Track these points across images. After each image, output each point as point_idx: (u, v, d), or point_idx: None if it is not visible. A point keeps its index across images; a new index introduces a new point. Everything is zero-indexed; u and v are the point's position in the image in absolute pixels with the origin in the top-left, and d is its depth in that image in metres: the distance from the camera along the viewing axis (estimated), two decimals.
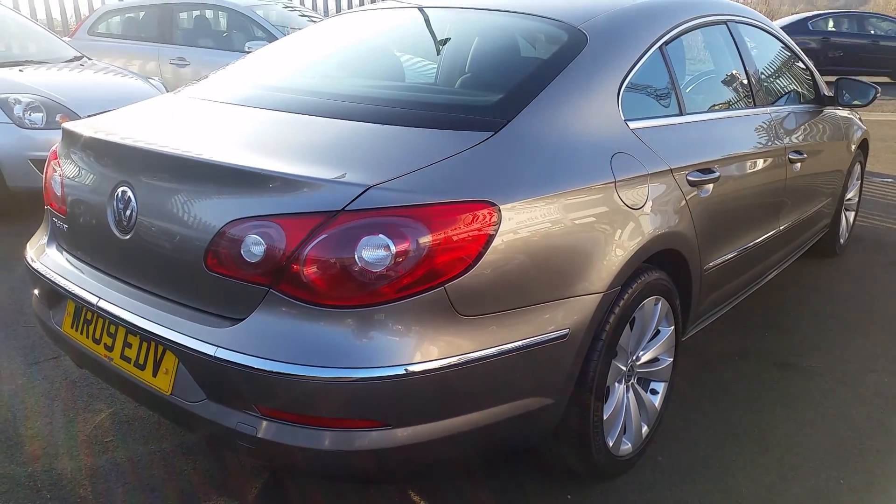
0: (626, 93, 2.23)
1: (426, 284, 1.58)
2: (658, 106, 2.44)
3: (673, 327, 2.40)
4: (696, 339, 3.27)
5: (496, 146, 1.82)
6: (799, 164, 3.22)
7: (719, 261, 2.62)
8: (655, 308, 2.28)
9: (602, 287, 1.92)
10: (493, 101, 2.03)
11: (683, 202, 2.29)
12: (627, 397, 2.30)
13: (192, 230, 1.70)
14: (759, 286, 3.28)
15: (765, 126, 2.98)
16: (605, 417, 2.12)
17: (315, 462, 1.64)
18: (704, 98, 2.82)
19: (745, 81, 2.99)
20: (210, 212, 1.68)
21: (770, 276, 3.35)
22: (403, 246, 1.55)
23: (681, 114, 2.48)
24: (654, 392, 2.45)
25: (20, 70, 5.51)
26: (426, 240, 1.57)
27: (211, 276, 1.67)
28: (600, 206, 1.94)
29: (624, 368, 2.22)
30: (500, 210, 1.68)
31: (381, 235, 1.55)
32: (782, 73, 3.50)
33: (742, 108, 2.97)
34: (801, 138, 3.29)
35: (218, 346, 1.61)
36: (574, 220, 1.86)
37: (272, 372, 1.55)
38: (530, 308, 1.77)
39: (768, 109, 3.08)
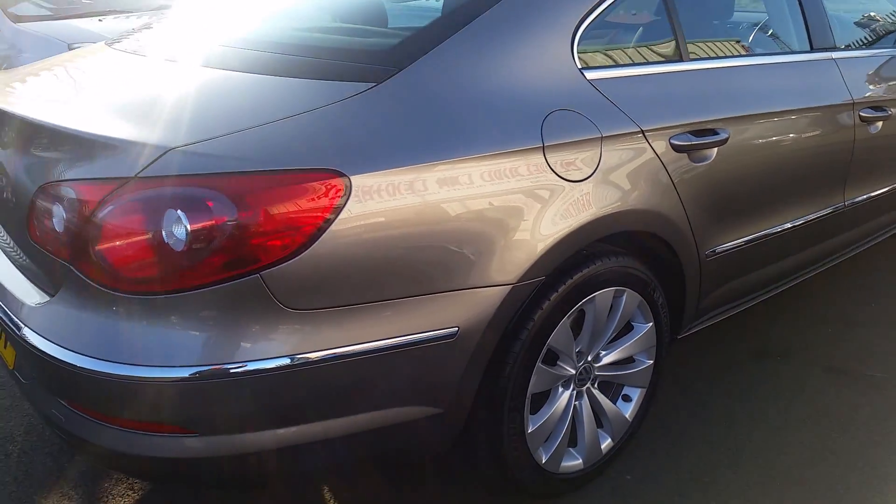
0: (588, 34, 1.78)
1: (235, 271, 1.30)
2: (642, 50, 1.96)
3: (651, 324, 1.97)
4: (729, 332, 2.77)
5: (371, 101, 1.48)
6: (879, 124, 2.57)
7: (731, 245, 2.13)
8: (619, 301, 1.86)
9: (510, 278, 1.55)
10: (392, 44, 1.67)
11: (663, 172, 1.83)
12: (580, 404, 1.92)
13: (18, 195, 1.53)
14: (812, 275, 2.69)
15: (821, 74, 2.38)
16: (531, 430, 1.76)
17: (126, 465, 1.45)
18: (722, 39, 2.26)
19: (795, 16, 2.38)
20: (32, 175, 1.49)
21: (831, 264, 2.75)
22: (202, 223, 1.28)
23: (680, 59, 1.99)
24: (626, 399, 2.05)
25: (99, 20, 5.64)
26: (233, 216, 1.28)
27: (34, 247, 1.49)
28: (515, 176, 1.55)
29: (571, 371, 1.84)
30: (350, 182, 1.36)
31: (176, 209, 1.28)
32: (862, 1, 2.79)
33: (783, 53, 2.38)
34: (883, 90, 2.62)
35: (24, 325, 1.44)
36: (468, 195, 1.49)
37: (63, 361, 1.35)
38: (395, 302, 1.44)
39: (831, 54, 2.45)
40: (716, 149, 1.95)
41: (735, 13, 2.46)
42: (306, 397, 1.41)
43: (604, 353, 1.93)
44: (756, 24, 2.46)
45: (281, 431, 1.41)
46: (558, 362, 1.81)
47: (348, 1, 2.25)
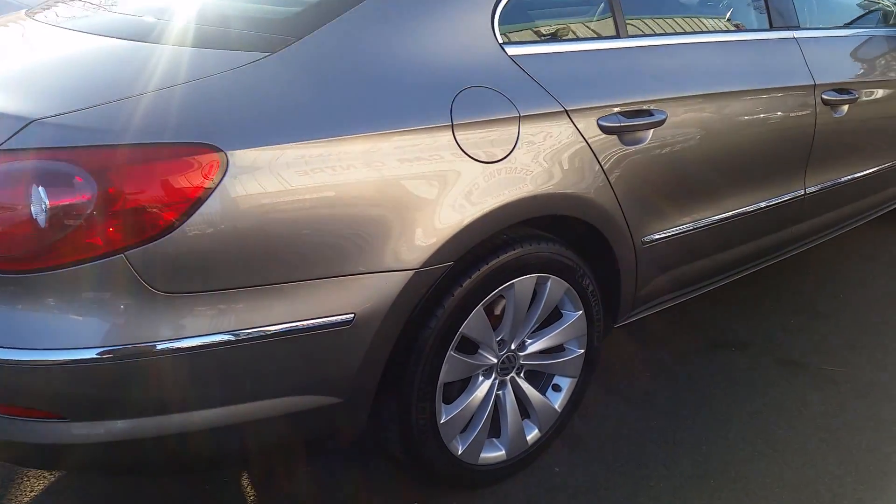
0: (513, 8, 1.70)
1: (97, 251, 1.24)
2: (575, 26, 1.86)
3: (581, 312, 1.90)
4: (688, 321, 2.69)
5: (260, 72, 1.40)
6: (844, 108, 2.47)
7: (671, 232, 2.04)
8: (543, 288, 1.79)
9: (413, 263, 1.48)
10: (295, 12, 1.59)
11: (590, 155, 1.75)
12: (503, 394, 1.85)
13: None
14: (775, 261, 2.60)
15: (777, 54, 2.27)
16: (444, 420, 1.70)
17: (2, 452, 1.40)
18: (667, 15, 2.15)
19: None
20: None
21: (791, 253, 2.65)
22: (62, 199, 1.21)
23: (616, 36, 1.89)
24: (556, 389, 1.98)
25: None
26: (94, 192, 1.22)
27: None
28: (419, 156, 1.47)
29: (491, 360, 1.78)
30: (226, 157, 1.29)
31: (35, 184, 1.22)
32: None
33: (734, 31, 2.27)
34: (852, 72, 2.51)
35: None
36: (365, 175, 1.41)
37: None
38: (282, 287, 1.37)
39: (793, 33, 2.34)
40: (650, 131, 1.86)
41: None
42: (184, 384, 1.35)
43: (529, 341, 1.86)
44: (709, 1, 2.35)
45: (161, 419, 1.36)
46: (479, 350, 1.74)
47: None
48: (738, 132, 2.10)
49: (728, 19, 2.27)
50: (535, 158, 1.64)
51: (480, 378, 1.80)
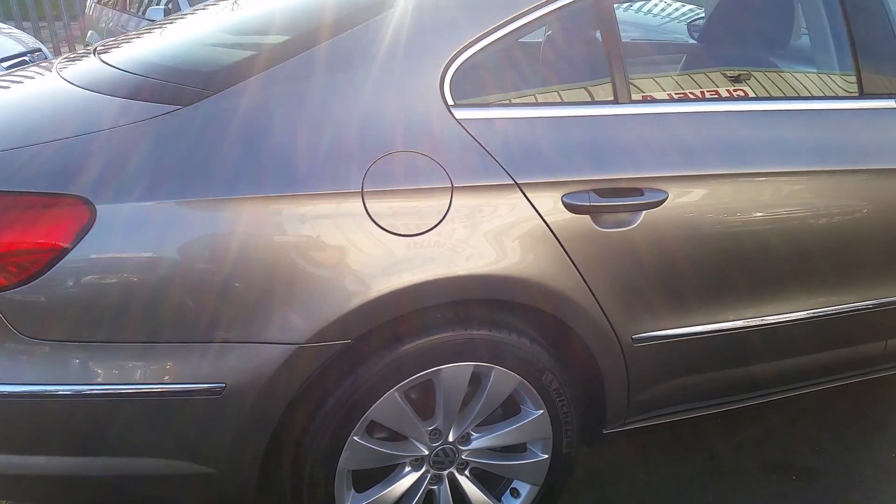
0: (471, 67, 1.52)
1: None
2: (564, 91, 1.62)
3: (543, 412, 1.65)
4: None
5: (162, 126, 1.37)
6: None
7: (681, 333, 1.70)
8: (487, 379, 1.57)
9: (297, 336, 1.36)
10: (226, 64, 1.54)
11: (548, 235, 1.51)
12: (438, 490, 1.66)
13: None
14: (807, 391, 2.02)
15: (868, 129, 1.82)
16: None
17: None
18: (697, 74, 1.79)
19: (838, 41, 1.85)
20: None
21: (834, 384, 2.05)
22: None
23: (615, 101, 1.62)
24: (514, 494, 1.74)
25: None
26: None
27: None
28: (311, 223, 1.36)
29: (421, 451, 1.59)
30: (95, 210, 1.27)
31: None
32: None
33: (792, 99, 1.86)
34: None
35: None
36: (248, 238, 1.33)
37: None
38: (148, 346, 1.33)
39: (876, 103, 1.86)
40: (641, 213, 1.57)
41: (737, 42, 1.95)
42: (39, 428, 1.35)
43: (475, 435, 1.64)
44: (763, 62, 1.95)
45: (13, 458, 1.37)
46: (409, 438, 1.57)
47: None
48: (776, 222, 1.71)
49: (786, 83, 1.87)
50: (470, 235, 1.45)
51: (407, 469, 1.62)
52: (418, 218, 1.42)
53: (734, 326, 1.73)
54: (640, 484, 2.04)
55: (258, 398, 1.38)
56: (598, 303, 1.59)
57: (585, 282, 1.56)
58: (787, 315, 1.77)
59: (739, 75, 1.81)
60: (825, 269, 1.80)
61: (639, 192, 1.57)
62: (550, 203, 1.51)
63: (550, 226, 1.51)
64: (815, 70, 1.98)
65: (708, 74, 1.84)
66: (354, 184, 1.38)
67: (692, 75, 1.89)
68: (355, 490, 1.59)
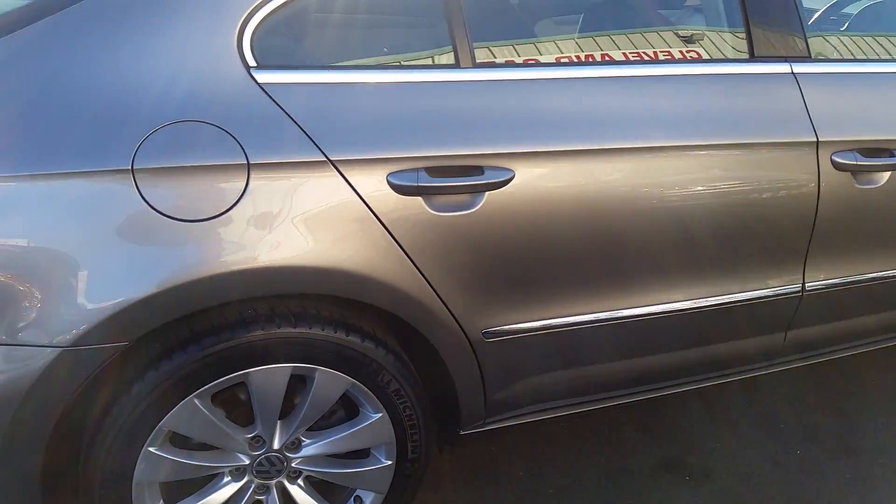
0: (278, 21, 1.31)
1: None
2: (394, 50, 1.42)
3: (383, 414, 1.48)
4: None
5: None
6: (882, 176, 1.75)
7: (541, 326, 1.53)
8: (311, 381, 1.40)
9: (61, 339, 1.18)
10: None
11: (371, 219, 1.32)
12: (266, 500, 1.49)
13: None
14: (708, 384, 1.87)
15: (752, 93, 1.63)
16: None
17: None
18: (559, 38, 1.59)
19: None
20: None
21: (732, 377, 1.89)
22: None
23: (456, 66, 1.42)
24: (358, 502, 1.57)
25: None
26: None
27: None
28: (70, 207, 1.16)
29: (244, 460, 1.43)
30: None
31: None
32: None
33: (670, 62, 1.65)
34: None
35: None
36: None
37: None
38: None
39: (791, 66, 1.67)
40: (484, 194, 1.38)
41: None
42: None
43: (306, 441, 1.48)
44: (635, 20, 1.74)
45: None
46: (223, 448, 1.40)
47: None
48: (643, 206, 1.51)
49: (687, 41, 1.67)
50: (272, 221, 1.26)
51: (227, 479, 1.45)
52: (205, 201, 1.22)
53: (597, 319, 1.55)
54: (522, 483, 1.88)
55: (22, 406, 1.20)
56: (438, 295, 1.41)
57: (421, 272, 1.38)
58: (658, 307, 1.60)
59: (615, 37, 1.61)
60: (700, 258, 1.62)
61: (478, 170, 1.38)
62: (373, 183, 1.32)
63: (374, 209, 1.32)
64: (702, 28, 1.78)
65: (578, 40, 1.64)
66: (123, 160, 1.19)
67: (558, 40, 1.68)
68: (165, 503, 1.42)
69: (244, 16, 1.29)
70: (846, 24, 2.62)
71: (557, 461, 1.96)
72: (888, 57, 1.95)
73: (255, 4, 1.30)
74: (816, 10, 2.59)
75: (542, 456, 1.98)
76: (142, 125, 1.21)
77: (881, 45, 2.12)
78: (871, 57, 1.94)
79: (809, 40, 1.73)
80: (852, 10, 2.77)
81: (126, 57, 1.23)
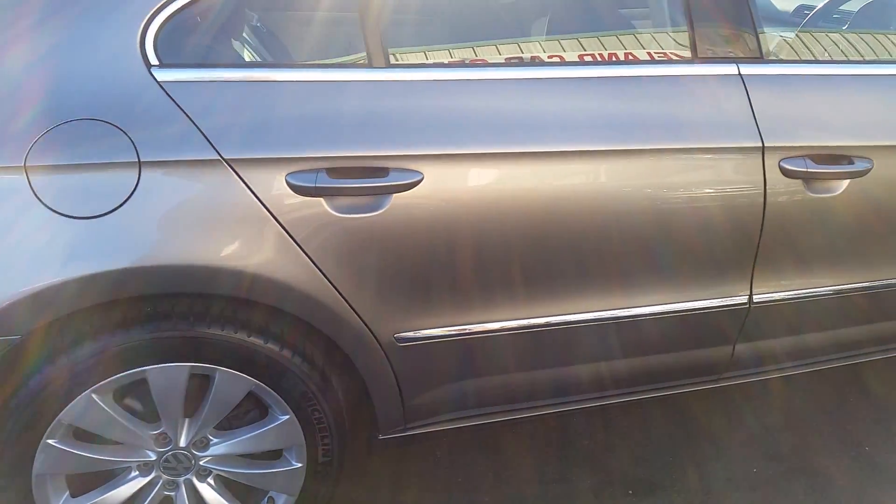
0: (183, 20, 1.30)
1: None
2: (303, 49, 1.40)
3: (290, 416, 1.46)
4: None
5: None
6: (840, 184, 1.65)
7: (457, 331, 1.49)
8: (212, 382, 1.39)
9: None
10: None
11: (268, 219, 1.30)
12: (175, 496, 1.50)
13: None
14: (646, 397, 1.78)
15: (693, 96, 1.55)
16: None
17: None
18: (478, 41, 1.53)
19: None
20: None
21: (677, 390, 1.80)
22: None
23: (369, 66, 1.38)
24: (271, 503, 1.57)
25: None
26: None
27: None
28: None
29: (150, 456, 1.43)
30: None
31: None
32: None
33: (604, 64, 1.59)
34: (859, 130, 1.67)
35: None
36: None
37: None
38: None
39: (738, 67, 1.58)
40: (390, 196, 1.35)
41: None
42: None
43: (214, 440, 1.47)
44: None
45: None
46: (124, 443, 1.41)
47: None
48: (562, 211, 1.45)
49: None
50: (163, 219, 1.26)
51: (134, 473, 1.46)
52: (96, 198, 1.22)
53: (515, 326, 1.51)
54: (459, 491, 1.85)
55: None
56: (344, 298, 1.39)
57: (324, 274, 1.36)
58: (579, 315, 1.54)
59: (547, 41, 1.55)
60: (629, 266, 1.55)
61: (383, 171, 1.34)
62: (270, 183, 1.30)
63: (271, 209, 1.30)
64: (648, 29, 1.70)
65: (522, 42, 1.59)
66: (16, 157, 1.19)
67: (476, 44, 1.63)
68: (71, 495, 1.43)
69: (148, 15, 1.28)
70: (846, 24, 2.50)
71: (500, 470, 1.93)
72: (857, 58, 1.84)
73: (160, 4, 1.29)
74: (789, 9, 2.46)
75: (485, 464, 1.95)
76: (36, 124, 1.21)
77: (867, 44, 2.02)
78: (837, 58, 1.84)
79: (765, 39, 1.64)
80: (852, 7, 2.64)
81: (26, 55, 1.24)
